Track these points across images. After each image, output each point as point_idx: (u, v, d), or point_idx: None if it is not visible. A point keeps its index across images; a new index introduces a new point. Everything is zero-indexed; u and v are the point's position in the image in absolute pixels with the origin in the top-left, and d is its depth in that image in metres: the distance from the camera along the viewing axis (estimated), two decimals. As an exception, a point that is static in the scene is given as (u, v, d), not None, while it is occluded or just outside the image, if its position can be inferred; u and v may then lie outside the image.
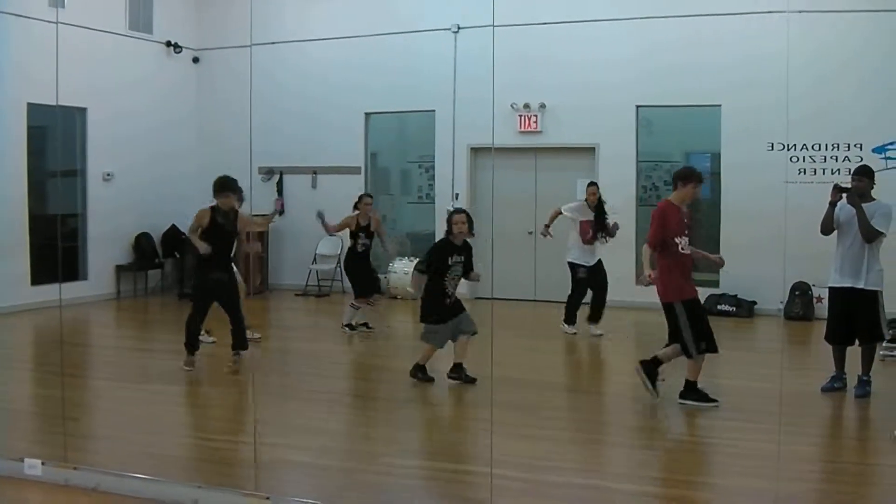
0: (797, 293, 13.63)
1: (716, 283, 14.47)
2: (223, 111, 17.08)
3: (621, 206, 14.23)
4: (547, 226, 12.65)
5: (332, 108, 16.66)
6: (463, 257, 9.54)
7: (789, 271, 13.34)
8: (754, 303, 14.10)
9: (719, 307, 14.09)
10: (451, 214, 9.68)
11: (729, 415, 8.38)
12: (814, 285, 13.35)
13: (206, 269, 9.98)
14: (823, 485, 6.63)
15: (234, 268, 10.65)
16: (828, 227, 8.93)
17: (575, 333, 12.37)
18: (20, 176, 14.28)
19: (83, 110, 15.34)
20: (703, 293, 14.09)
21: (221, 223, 9.92)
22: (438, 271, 9.43)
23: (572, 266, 12.42)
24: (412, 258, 15.84)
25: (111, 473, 6.33)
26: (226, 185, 9.86)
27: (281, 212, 16.86)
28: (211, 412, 8.67)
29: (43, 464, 6.39)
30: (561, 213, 12.64)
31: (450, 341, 9.56)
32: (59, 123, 14.58)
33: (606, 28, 14.54)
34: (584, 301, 12.47)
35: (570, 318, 12.50)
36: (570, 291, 12.53)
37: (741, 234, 14.02)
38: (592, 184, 12.69)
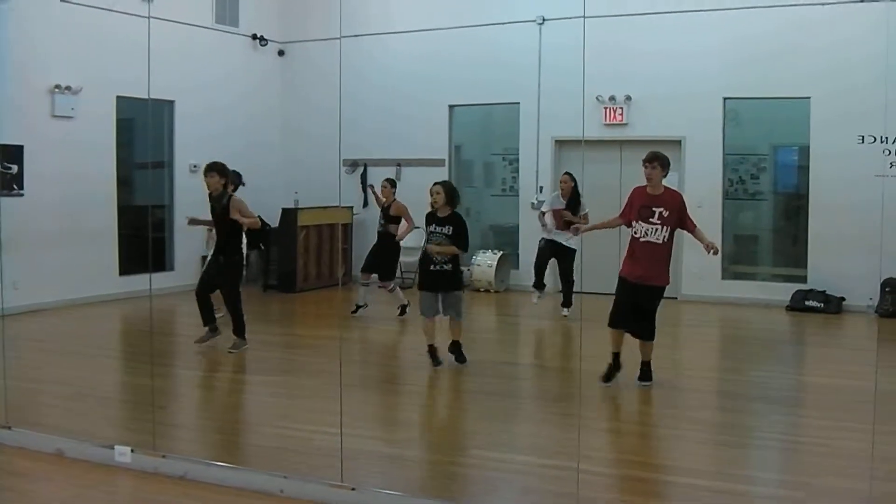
0: (887, 289, 13.29)
1: (803, 279, 14.23)
2: (308, 104, 17.24)
3: (707, 200, 14.07)
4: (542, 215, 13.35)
5: (416, 100, 16.68)
6: (446, 229, 9.77)
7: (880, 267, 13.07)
8: (843, 299, 13.76)
9: (807, 303, 13.82)
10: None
11: (819, 413, 8.28)
12: (905, 281, 13.06)
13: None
14: (918, 486, 6.48)
15: (251, 252, 11.35)
16: (920, 222, 8.72)
17: (536, 300, 13.47)
18: (109, 167, 14.56)
19: (171, 103, 15.56)
20: (790, 288, 14.07)
21: (213, 206, 10.64)
22: (427, 238, 9.90)
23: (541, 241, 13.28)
24: (495, 251, 15.83)
25: (199, 462, 6.41)
26: (211, 167, 10.50)
27: (365, 204, 16.93)
28: (295, 402, 8.72)
29: (133, 451, 6.49)
30: (544, 213, 13.23)
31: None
32: (148, 116, 14.80)
33: (692, 18, 14.31)
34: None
35: (536, 284, 13.49)
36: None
37: (830, 228, 13.77)
38: (566, 174, 13.09)
